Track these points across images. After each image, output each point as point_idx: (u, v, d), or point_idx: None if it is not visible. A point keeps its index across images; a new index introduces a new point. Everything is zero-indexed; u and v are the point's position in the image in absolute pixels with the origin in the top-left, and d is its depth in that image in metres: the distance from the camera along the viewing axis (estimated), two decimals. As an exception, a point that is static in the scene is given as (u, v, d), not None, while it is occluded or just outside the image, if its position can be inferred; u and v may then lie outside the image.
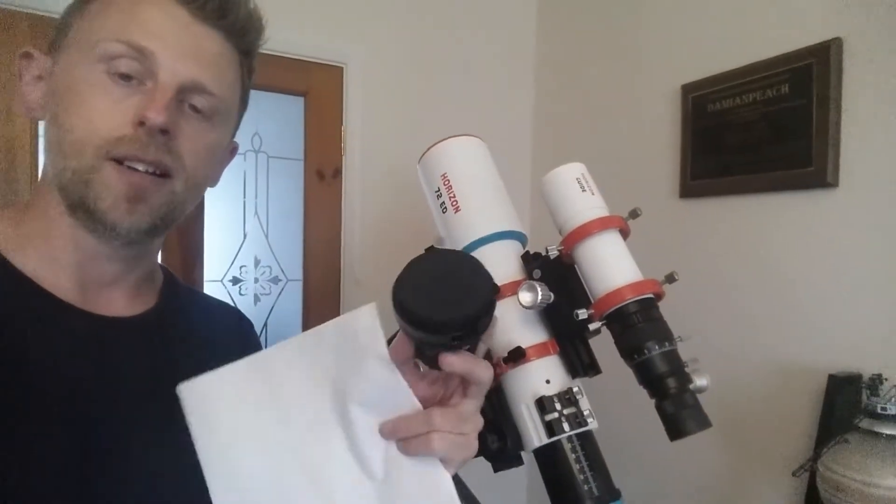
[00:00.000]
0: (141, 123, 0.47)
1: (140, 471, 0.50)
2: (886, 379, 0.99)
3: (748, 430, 1.32)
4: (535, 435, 0.55)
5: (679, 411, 0.49)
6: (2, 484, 0.42)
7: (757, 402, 1.30)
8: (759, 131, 1.32)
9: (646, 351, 0.50)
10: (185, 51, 0.50)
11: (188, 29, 0.50)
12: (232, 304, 0.73)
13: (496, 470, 0.59)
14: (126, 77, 0.48)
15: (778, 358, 1.26)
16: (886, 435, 0.89)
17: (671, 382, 0.49)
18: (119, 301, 0.54)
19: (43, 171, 0.52)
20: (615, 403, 1.10)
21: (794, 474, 1.05)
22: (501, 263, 0.60)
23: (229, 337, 0.66)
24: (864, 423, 0.92)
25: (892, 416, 0.89)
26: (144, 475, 0.50)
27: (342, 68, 1.79)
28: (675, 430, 0.49)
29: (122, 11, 0.49)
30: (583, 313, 0.52)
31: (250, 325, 0.72)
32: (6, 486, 0.42)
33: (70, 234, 0.50)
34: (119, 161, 0.47)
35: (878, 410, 0.90)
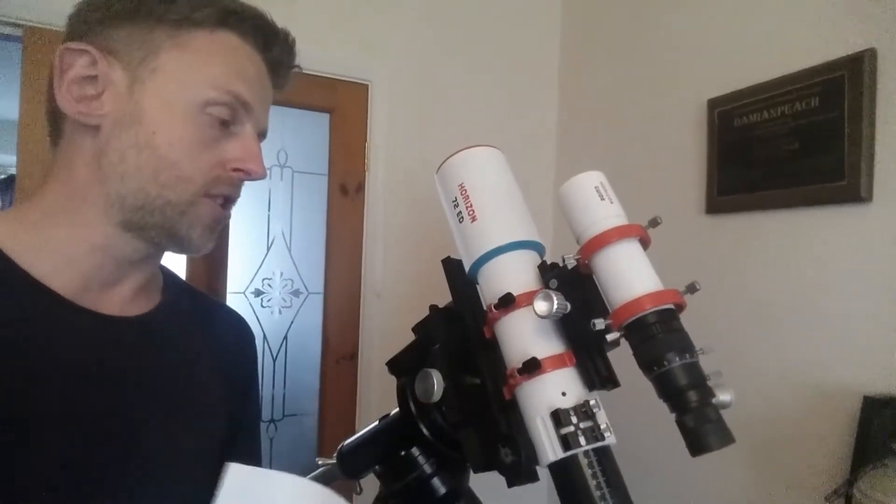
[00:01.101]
0: (241, 171, 0.54)
1: (142, 469, 0.51)
2: (927, 402, 0.94)
3: (779, 451, 1.26)
4: (549, 449, 0.53)
5: (701, 426, 0.47)
6: (5, 481, 0.43)
7: (789, 422, 1.24)
8: (788, 145, 1.29)
9: (665, 363, 0.48)
10: (265, 103, 0.57)
11: (266, 81, 0.57)
12: (235, 311, 0.73)
13: (510, 485, 0.58)
14: (224, 124, 0.53)
15: (811, 378, 1.21)
16: (928, 461, 0.84)
17: (692, 396, 0.47)
18: (122, 301, 0.55)
19: (82, 181, 0.51)
20: (636, 420, 1.07)
21: (826, 500, 1.00)
22: (518, 273, 0.60)
23: (228, 338, 0.68)
24: (904, 449, 0.87)
25: (934, 441, 0.85)
26: (146, 474, 0.51)
27: (367, 85, 1.83)
28: (697, 445, 0.47)
29: (225, 62, 0.53)
30: (600, 323, 0.51)
31: (251, 335, 0.73)
32: (10, 483, 0.43)
33: (104, 244, 0.51)
34: (213, 198, 0.54)
35: (919, 435, 0.86)
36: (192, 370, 0.59)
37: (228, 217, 0.57)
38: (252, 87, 0.54)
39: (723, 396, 0.49)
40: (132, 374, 0.52)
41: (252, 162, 0.54)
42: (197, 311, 0.65)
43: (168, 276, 0.64)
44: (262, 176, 0.55)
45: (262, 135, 0.57)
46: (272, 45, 0.56)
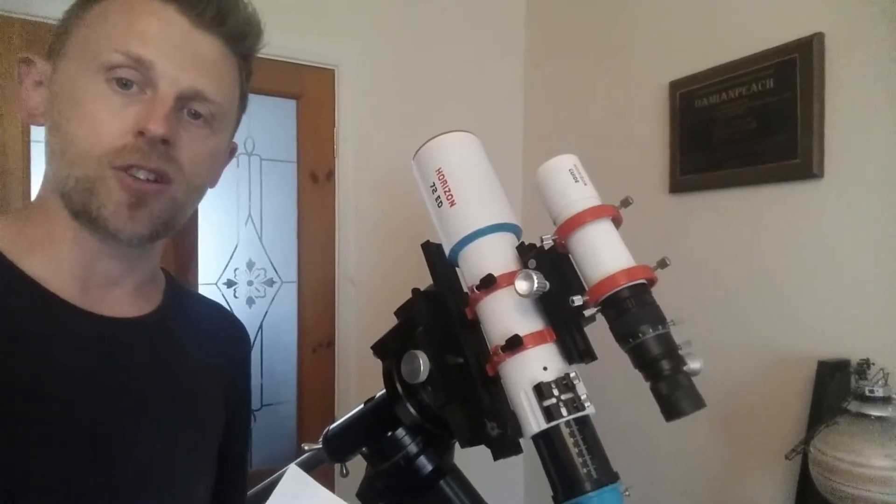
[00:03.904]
0: (141, 133, 0.48)
1: (143, 469, 0.51)
2: (874, 363, 1.01)
3: (742, 417, 1.34)
4: (533, 421, 0.56)
5: (673, 392, 0.50)
6: (7, 481, 0.43)
7: (750, 390, 1.32)
8: (745, 125, 1.34)
9: (640, 334, 0.51)
10: (184, 59, 0.50)
11: (187, 37, 0.51)
12: (229, 310, 0.74)
13: (496, 458, 0.60)
14: (126, 85, 0.48)
15: (769, 347, 1.29)
16: (874, 416, 0.91)
17: (665, 364, 0.50)
18: (122, 302, 0.55)
19: (45, 177, 0.53)
20: (612, 393, 1.12)
21: (786, 457, 1.07)
22: (498, 254, 0.61)
23: (224, 345, 0.68)
24: (853, 406, 0.94)
25: (879, 398, 0.92)
26: (147, 473, 0.51)
27: (334, 71, 1.80)
28: (671, 410, 0.50)
29: (120, 21, 0.49)
30: (578, 300, 0.54)
31: (246, 334, 0.73)
32: (11, 483, 0.43)
33: (74, 237, 0.51)
34: (121, 169, 0.48)
35: (866, 393, 0.93)
36: (191, 372, 0.59)
37: (155, 193, 0.50)
38: (155, 42, 0.49)
39: (693, 364, 0.52)
40: (130, 376, 0.52)
41: (150, 121, 0.47)
42: (195, 312, 0.65)
43: (169, 278, 0.64)
44: (157, 134, 0.48)
45: (190, 95, 0.51)
46: None
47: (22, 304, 0.48)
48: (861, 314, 1.13)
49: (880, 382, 0.94)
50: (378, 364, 0.69)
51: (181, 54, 0.50)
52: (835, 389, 1.07)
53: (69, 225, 0.50)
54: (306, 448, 0.78)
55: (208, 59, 0.52)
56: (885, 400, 0.92)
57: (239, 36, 0.55)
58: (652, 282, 0.54)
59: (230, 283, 1.75)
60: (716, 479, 1.41)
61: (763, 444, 1.29)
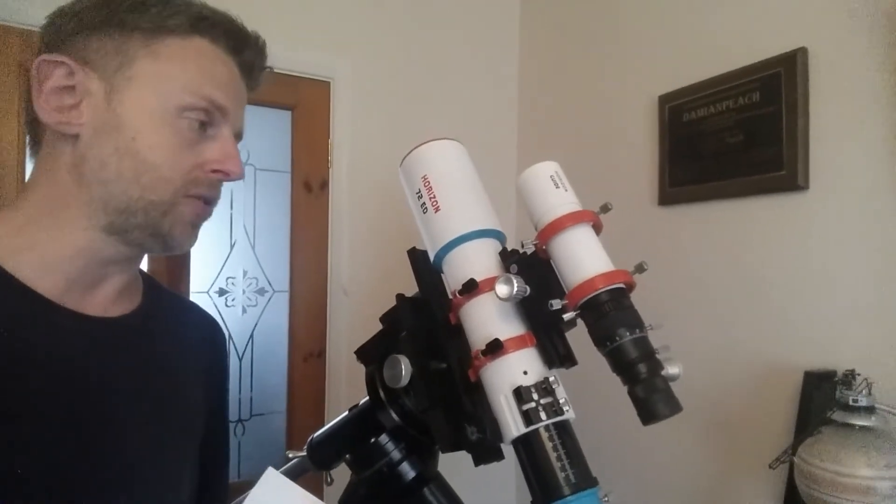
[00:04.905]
0: (220, 171, 0.56)
1: (128, 464, 0.51)
2: (859, 374, 1.02)
3: (730, 426, 1.34)
4: (513, 425, 0.56)
5: (650, 395, 0.50)
6: None
7: (738, 399, 1.32)
8: (732, 138, 1.36)
9: (617, 338, 0.51)
10: (240, 106, 0.59)
11: (239, 83, 0.59)
12: (207, 312, 0.75)
13: (477, 464, 0.60)
14: (202, 126, 0.55)
15: (756, 357, 1.29)
16: (858, 426, 0.91)
17: (642, 368, 0.51)
18: (105, 302, 0.56)
19: (62, 187, 0.52)
20: (600, 401, 1.12)
21: (770, 466, 1.07)
22: (480, 260, 0.62)
23: (203, 343, 0.69)
24: (837, 416, 0.94)
25: (863, 407, 0.92)
26: (132, 468, 0.52)
27: (329, 83, 1.82)
28: (647, 413, 0.50)
29: (200, 67, 0.54)
30: (557, 304, 0.54)
31: (223, 336, 0.75)
32: None
33: (87, 246, 0.52)
34: (195, 198, 0.55)
35: (850, 403, 0.93)
36: (173, 369, 0.61)
37: (209, 214, 0.59)
38: (226, 90, 0.55)
39: (671, 369, 0.53)
40: (115, 373, 0.53)
41: (230, 163, 0.56)
42: (174, 311, 0.67)
43: (147, 278, 0.65)
44: (240, 176, 0.57)
45: (238, 136, 0.59)
46: (243, 48, 0.58)
47: (6, 303, 0.49)
48: (847, 325, 1.14)
49: (864, 392, 0.94)
50: (368, 374, 0.70)
51: (238, 100, 0.58)
52: (821, 399, 1.08)
53: (88, 236, 0.52)
54: (291, 456, 0.78)
55: (245, 101, 0.61)
56: (868, 409, 0.93)
57: (258, 84, 0.62)
58: (630, 286, 0.55)
59: (222, 292, 1.75)
60: (703, 487, 1.41)
61: (751, 454, 1.29)
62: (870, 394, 0.95)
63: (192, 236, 0.58)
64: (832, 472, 0.88)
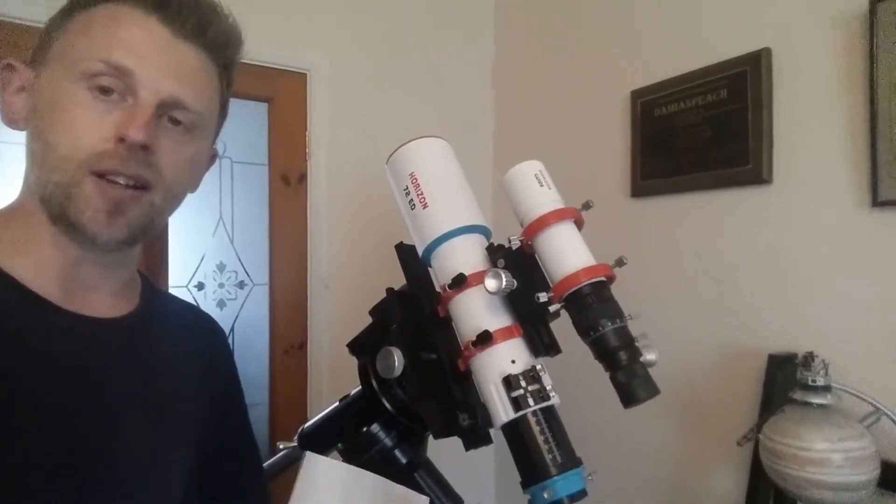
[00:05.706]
0: (121, 140, 0.49)
1: (125, 464, 0.52)
2: (817, 356, 1.09)
3: (698, 408, 1.41)
4: (502, 411, 0.58)
5: (630, 380, 0.54)
6: None
7: (707, 382, 1.39)
8: (701, 133, 1.42)
9: (600, 328, 0.54)
10: (165, 68, 0.51)
11: (168, 46, 0.52)
12: (207, 313, 0.75)
13: (467, 448, 0.63)
14: (106, 92, 0.49)
15: (723, 342, 1.36)
16: (816, 404, 0.98)
17: (623, 355, 0.54)
18: (103, 304, 0.56)
19: (25, 181, 0.53)
20: (577, 388, 1.16)
21: (738, 444, 1.14)
22: (468, 255, 0.64)
23: (201, 343, 0.69)
24: (798, 395, 1.01)
25: (821, 387, 0.99)
26: (130, 468, 0.52)
27: (306, 75, 1.81)
28: (628, 397, 0.54)
29: (103, 30, 0.50)
30: (543, 296, 0.57)
31: (223, 335, 0.74)
32: None
33: (53, 241, 0.52)
34: (100, 175, 0.49)
35: (809, 383, 1.00)
36: (170, 371, 0.60)
37: (131, 198, 0.51)
38: (136, 51, 0.50)
39: (649, 356, 0.57)
40: (112, 374, 0.53)
41: (129, 127, 0.48)
42: (172, 313, 0.66)
43: (146, 279, 0.65)
44: (141, 141, 0.49)
45: (170, 104, 0.52)
46: (166, 4, 0.52)
47: (5, 302, 0.49)
48: (806, 310, 1.21)
49: (822, 373, 1.01)
50: (350, 365, 0.71)
51: (162, 63, 0.51)
52: (783, 380, 1.14)
53: (49, 229, 0.51)
54: (281, 447, 0.79)
55: (189, 68, 0.53)
56: (825, 388, 0.99)
57: (219, 46, 0.56)
58: (611, 279, 0.58)
59: (200, 286, 1.74)
60: (675, 467, 1.48)
61: (719, 432, 1.36)
62: (826, 374, 1.02)
63: (112, 226, 0.50)
64: (794, 448, 0.94)
